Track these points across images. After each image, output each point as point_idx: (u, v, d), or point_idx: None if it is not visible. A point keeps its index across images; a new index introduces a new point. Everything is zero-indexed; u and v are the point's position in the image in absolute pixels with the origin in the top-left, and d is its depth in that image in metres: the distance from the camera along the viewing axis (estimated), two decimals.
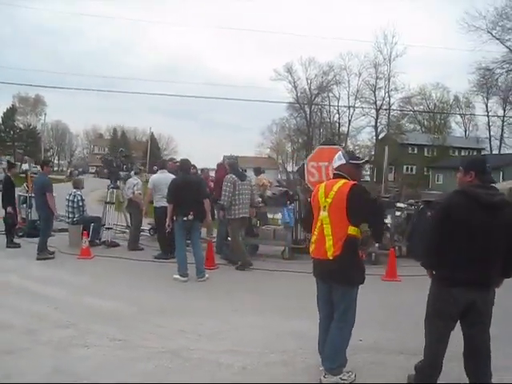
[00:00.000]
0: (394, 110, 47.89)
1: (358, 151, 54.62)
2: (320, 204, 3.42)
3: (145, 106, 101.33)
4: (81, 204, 8.86)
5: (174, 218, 6.61)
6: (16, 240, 8.84)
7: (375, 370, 3.70)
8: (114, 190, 9.22)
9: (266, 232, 8.50)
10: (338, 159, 3.54)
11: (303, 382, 3.49)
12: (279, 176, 57.23)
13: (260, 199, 8.39)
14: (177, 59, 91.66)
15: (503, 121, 50.52)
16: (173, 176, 7.60)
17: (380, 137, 49.42)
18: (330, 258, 3.33)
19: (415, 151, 52.32)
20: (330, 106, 52.50)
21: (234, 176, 7.33)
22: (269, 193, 8.90)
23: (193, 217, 6.46)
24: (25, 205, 10.22)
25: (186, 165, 7.03)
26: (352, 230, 3.30)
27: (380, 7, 77.43)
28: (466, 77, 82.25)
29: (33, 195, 9.19)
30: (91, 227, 8.93)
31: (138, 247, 8.75)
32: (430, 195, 8.92)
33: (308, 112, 52.75)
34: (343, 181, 3.40)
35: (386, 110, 48.23)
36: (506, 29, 22.22)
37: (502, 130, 51.38)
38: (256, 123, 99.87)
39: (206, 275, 6.64)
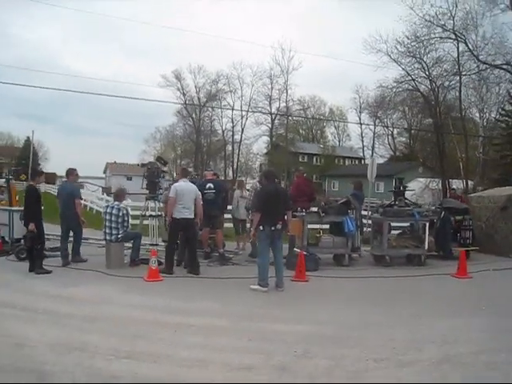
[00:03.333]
0: (290, 116, 50.48)
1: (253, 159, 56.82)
2: None
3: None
4: (126, 219, 7.68)
5: (261, 228, 6.43)
6: None
7: None
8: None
9: (327, 241, 8.47)
10: None
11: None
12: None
13: None
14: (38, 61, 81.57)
15: (374, 133, 57.75)
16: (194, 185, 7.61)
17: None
18: None
19: (305, 159, 56.11)
20: (221, 110, 52.97)
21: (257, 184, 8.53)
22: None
23: (281, 226, 6.47)
24: None
25: (272, 174, 7.09)
26: None
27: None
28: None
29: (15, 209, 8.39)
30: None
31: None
32: (449, 202, 9.90)
33: (196, 120, 52.70)
34: None
35: (280, 119, 50.76)
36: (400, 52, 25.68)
37: (374, 140, 58.59)
38: (140, 131, 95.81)
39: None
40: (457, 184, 25.58)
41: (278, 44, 73.35)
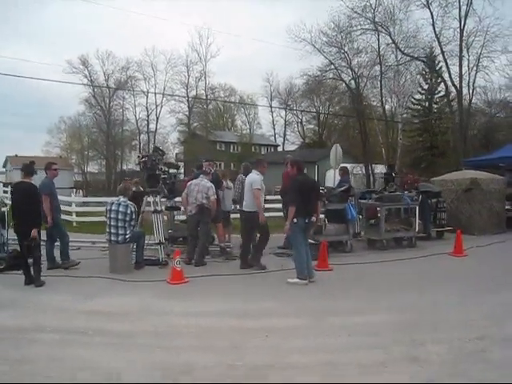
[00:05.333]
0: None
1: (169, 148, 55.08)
2: None
3: None
4: (134, 217, 6.85)
5: (295, 220, 6.25)
6: None
7: None
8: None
9: (330, 229, 8.49)
10: None
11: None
12: (75, 177, 52.78)
13: None
14: None
15: (285, 122, 59.65)
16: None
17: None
18: None
19: (223, 148, 55.80)
20: (135, 99, 50.32)
21: (243, 176, 8.61)
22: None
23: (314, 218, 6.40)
24: None
25: (301, 165, 6.83)
26: None
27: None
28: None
29: None
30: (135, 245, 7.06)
31: (204, 262, 7.43)
32: (425, 186, 10.47)
33: (106, 109, 49.46)
34: None
35: (197, 107, 49.82)
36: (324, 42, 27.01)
37: (285, 128, 60.49)
38: (41, 121, 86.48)
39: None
40: (379, 169, 27.38)
41: (196, 30, 71.97)
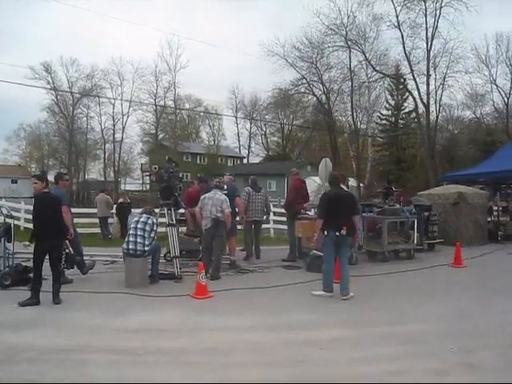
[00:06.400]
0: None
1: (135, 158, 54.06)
2: None
3: None
4: (155, 229, 6.72)
5: (325, 233, 6.30)
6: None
7: None
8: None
9: None
10: None
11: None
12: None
13: None
14: None
15: (249, 134, 60.19)
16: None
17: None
18: None
19: (189, 159, 55.42)
20: (100, 108, 49.17)
21: (250, 188, 9.33)
22: None
23: (346, 231, 6.26)
24: None
25: (336, 179, 6.75)
26: None
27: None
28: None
29: None
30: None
31: (219, 276, 7.38)
32: (418, 200, 10.93)
33: (69, 117, 47.98)
34: None
35: (166, 118, 49.39)
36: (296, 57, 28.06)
37: (250, 139, 61.07)
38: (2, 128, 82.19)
39: (351, 293, 6.29)
40: (351, 182, 28.14)
41: (166, 41, 73.61)
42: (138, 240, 6.57)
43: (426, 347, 4.35)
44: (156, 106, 47.28)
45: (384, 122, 34.19)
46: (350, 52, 26.85)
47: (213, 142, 61.96)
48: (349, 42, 26.11)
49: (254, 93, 55.40)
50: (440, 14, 23.81)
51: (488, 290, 6.62)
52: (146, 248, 6.61)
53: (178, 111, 50.69)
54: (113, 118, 48.30)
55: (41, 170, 35.30)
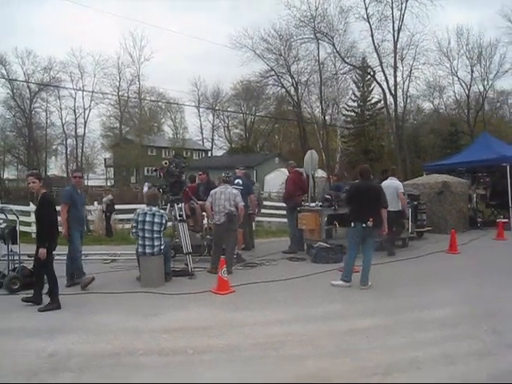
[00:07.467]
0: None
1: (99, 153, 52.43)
2: None
3: None
4: (164, 222, 6.54)
5: (352, 224, 6.46)
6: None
7: None
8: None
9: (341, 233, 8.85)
10: None
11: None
12: None
13: None
14: None
15: (212, 126, 59.86)
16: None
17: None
18: None
19: (154, 153, 54.31)
20: (60, 101, 47.21)
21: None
22: None
23: (372, 223, 6.32)
24: None
25: (367, 171, 6.86)
26: None
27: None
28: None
29: None
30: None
31: (231, 270, 7.36)
32: (407, 190, 11.25)
33: (27, 111, 45.78)
34: None
35: (129, 111, 48.17)
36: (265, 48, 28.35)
37: (213, 132, 60.75)
38: None
39: (369, 283, 6.47)
40: (320, 173, 28.60)
41: (129, 32, 69.65)
42: (155, 243, 6.44)
43: (461, 330, 4.60)
44: (119, 97, 45.95)
45: (350, 112, 34.93)
46: (318, 44, 27.20)
47: (176, 136, 61.05)
48: (318, 35, 26.43)
49: (217, 85, 55.04)
50: (406, 7, 24.58)
51: (492, 274, 7.03)
52: (162, 247, 6.51)
53: (142, 104, 49.49)
54: (74, 111, 46.59)
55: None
